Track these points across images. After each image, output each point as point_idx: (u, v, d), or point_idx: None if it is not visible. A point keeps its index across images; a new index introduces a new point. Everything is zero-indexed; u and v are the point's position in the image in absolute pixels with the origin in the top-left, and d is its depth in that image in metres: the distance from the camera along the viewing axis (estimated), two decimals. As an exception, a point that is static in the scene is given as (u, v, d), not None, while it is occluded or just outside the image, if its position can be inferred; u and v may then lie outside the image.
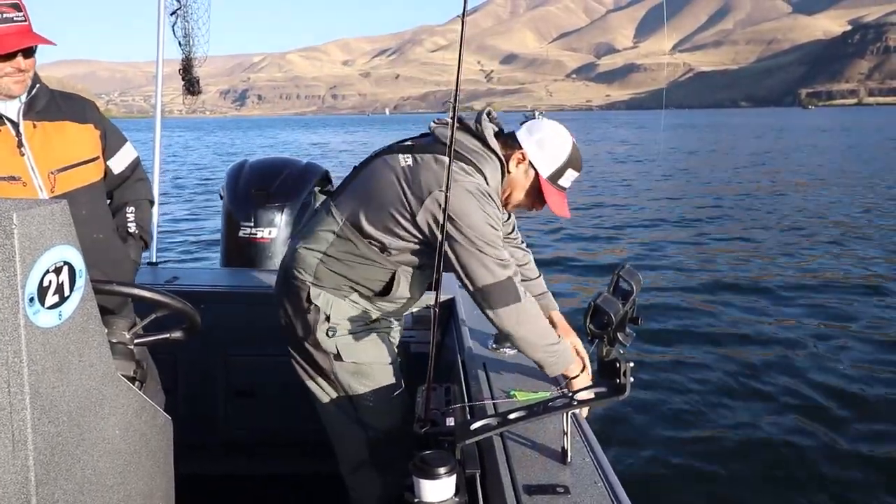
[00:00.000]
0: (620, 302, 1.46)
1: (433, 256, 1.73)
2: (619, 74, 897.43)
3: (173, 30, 3.46)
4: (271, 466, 2.67)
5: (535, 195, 1.87)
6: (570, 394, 1.53)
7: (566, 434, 1.47)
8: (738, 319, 6.29)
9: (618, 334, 1.45)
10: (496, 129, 1.86)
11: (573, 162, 1.83)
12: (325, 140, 53.74)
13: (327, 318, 1.80)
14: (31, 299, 0.93)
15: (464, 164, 1.74)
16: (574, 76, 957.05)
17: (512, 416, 1.49)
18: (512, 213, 2.13)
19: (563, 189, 1.87)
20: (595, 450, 1.52)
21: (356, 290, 1.83)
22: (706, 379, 4.87)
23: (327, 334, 1.81)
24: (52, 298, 0.97)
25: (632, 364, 1.43)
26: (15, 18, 1.56)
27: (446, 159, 1.54)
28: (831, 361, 5.13)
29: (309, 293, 1.81)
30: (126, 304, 1.94)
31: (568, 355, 1.79)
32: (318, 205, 2.02)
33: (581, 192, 15.69)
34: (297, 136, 63.33)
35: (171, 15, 3.40)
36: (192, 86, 3.85)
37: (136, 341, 1.54)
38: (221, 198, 3.21)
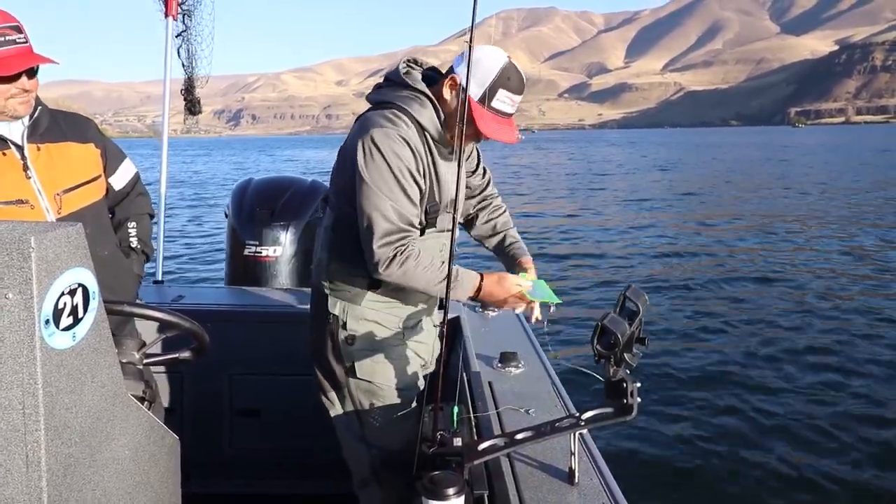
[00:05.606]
0: (627, 322, 1.46)
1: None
2: (610, 94, 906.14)
3: (178, 52, 3.49)
4: (275, 487, 2.65)
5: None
6: (577, 413, 1.54)
7: (573, 454, 1.48)
8: (756, 335, 6.25)
9: (624, 355, 1.45)
10: (425, 71, 1.84)
11: (504, 82, 1.71)
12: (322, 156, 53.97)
13: (344, 326, 1.83)
14: (47, 321, 0.93)
15: (385, 111, 1.74)
16: (566, 95, 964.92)
17: (519, 436, 1.49)
18: (484, 169, 2.10)
19: (502, 113, 1.75)
20: (602, 470, 1.52)
21: (369, 284, 1.81)
22: (716, 397, 4.82)
23: (347, 342, 1.83)
24: (66, 320, 0.97)
25: (638, 384, 1.43)
26: (17, 40, 1.58)
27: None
28: (848, 386, 5.01)
29: (327, 305, 1.84)
30: (130, 321, 1.94)
31: (465, 285, 1.77)
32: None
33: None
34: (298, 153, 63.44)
35: (177, 37, 3.44)
36: (193, 106, 3.89)
37: (145, 361, 1.54)
38: (226, 216, 3.21)
